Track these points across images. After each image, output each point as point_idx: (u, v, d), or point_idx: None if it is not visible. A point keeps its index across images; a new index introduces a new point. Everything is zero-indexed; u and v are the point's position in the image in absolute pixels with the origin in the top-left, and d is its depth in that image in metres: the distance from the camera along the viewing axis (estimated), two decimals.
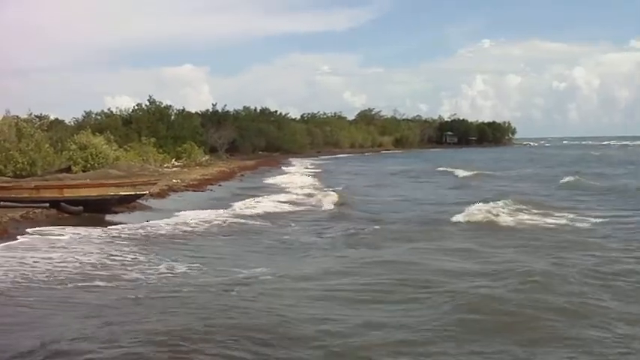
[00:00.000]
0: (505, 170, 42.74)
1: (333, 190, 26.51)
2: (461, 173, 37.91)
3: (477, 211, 17.67)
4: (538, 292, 8.96)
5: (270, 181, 35.39)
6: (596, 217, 17.59)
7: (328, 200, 23.05)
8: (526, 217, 17.75)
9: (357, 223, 17.12)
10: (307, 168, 50.98)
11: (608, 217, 17.84)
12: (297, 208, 21.31)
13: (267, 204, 22.15)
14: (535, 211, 18.80)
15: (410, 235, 15.02)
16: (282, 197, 24.72)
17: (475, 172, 37.46)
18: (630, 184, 28.13)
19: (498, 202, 19.61)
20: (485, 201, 19.72)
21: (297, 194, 26.22)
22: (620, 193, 24.73)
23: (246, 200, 23.23)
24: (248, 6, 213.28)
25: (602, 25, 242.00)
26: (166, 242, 14.30)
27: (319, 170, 48.16)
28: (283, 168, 50.54)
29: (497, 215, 17.53)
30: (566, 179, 30.43)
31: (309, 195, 25.89)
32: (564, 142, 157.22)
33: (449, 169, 41.23)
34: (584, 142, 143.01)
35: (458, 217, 17.18)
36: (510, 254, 12.33)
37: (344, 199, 23.15)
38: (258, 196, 24.86)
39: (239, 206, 21.39)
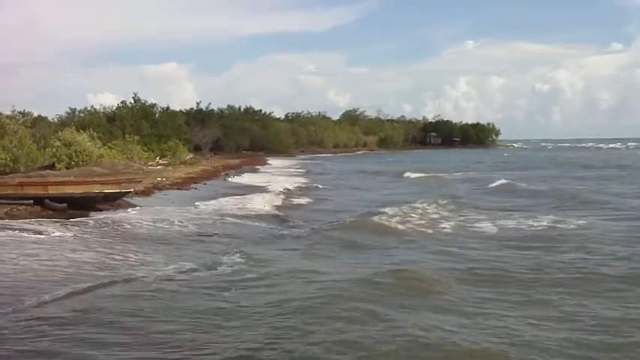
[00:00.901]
0: (461, 172, 44.46)
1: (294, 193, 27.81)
2: (414, 175, 40.16)
3: (385, 213, 18.64)
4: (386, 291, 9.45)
5: (247, 181, 35.77)
6: (489, 219, 18.13)
7: (279, 203, 23.73)
8: (431, 216, 18.99)
9: (284, 225, 17.71)
10: (287, 168, 51.76)
11: (505, 218, 18.42)
12: (262, 209, 21.58)
13: (236, 204, 22.54)
14: (440, 212, 19.92)
15: (321, 236, 15.43)
16: (251, 198, 25.00)
17: (428, 175, 39.82)
18: (560, 187, 29.15)
19: (420, 203, 21.02)
20: (407, 202, 21.42)
21: (268, 195, 26.54)
22: (540, 196, 25.50)
23: (222, 199, 23.90)
24: (232, 5, 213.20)
25: (585, 28, 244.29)
26: (150, 240, 14.38)
27: (302, 170, 49.24)
28: (262, 168, 51.31)
29: (400, 216, 18.43)
30: (497, 183, 31.63)
31: (278, 194, 26.59)
32: (542, 144, 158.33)
33: (408, 171, 42.72)
34: (560, 145, 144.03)
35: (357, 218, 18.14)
36: (384, 253, 13.21)
37: (288, 203, 24.14)
38: (238, 196, 25.36)
39: (220, 205, 21.87)
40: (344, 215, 19.46)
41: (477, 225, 17.23)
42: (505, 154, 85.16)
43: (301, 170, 49.33)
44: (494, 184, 31.21)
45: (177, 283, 10.03)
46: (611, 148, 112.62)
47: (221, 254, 12.55)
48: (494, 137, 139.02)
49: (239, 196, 25.37)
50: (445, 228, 16.84)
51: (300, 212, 21.04)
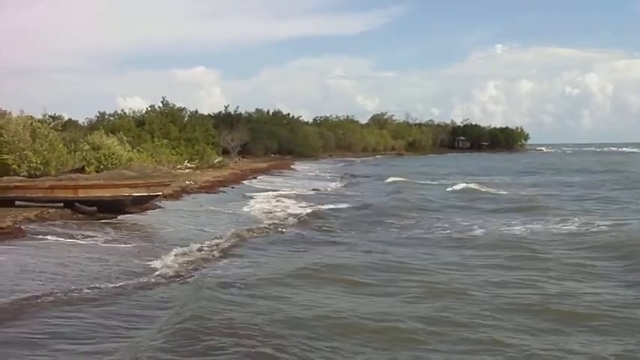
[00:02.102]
0: (451, 176, 44.76)
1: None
2: (391, 179, 40.53)
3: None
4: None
5: (272, 185, 35.87)
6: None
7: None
8: None
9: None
10: (307, 172, 52.62)
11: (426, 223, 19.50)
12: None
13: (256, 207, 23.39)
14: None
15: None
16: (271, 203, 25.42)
17: (406, 180, 39.93)
18: (521, 193, 29.34)
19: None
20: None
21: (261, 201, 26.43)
22: (497, 201, 25.95)
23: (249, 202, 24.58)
24: (260, 9, 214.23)
25: (615, 32, 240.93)
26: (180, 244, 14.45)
27: (315, 174, 50.48)
28: (286, 172, 51.77)
29: None
30: (460, 186, 32.39)
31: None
32: (563, 148, 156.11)
33: (391, 176, 43.04)
34: (584, 149, 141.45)
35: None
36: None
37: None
38: (260, 199, 26.04)
39: (245, 209, 22.52)
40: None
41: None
42: (508, 159, 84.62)
43: (315, 174, 50.34)
44: (456, 188, 31.88)
45: None
46: (633, 152, 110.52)
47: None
48: (523, 142, 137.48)
49: (248, 200, 25.95)
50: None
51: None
